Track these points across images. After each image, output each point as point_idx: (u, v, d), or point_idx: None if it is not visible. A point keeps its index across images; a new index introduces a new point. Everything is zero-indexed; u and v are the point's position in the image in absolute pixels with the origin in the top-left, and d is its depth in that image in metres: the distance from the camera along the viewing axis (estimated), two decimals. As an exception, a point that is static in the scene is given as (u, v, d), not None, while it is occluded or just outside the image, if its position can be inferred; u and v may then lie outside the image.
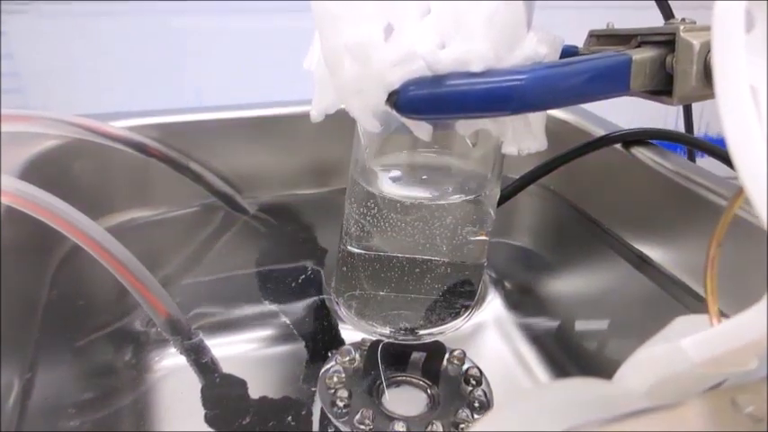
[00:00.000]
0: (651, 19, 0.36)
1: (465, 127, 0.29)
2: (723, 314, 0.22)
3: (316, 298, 0.45)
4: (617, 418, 0.19)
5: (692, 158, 0.52)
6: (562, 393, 0.21)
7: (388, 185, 0.33)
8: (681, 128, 0.48)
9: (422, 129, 0.28)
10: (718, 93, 0.20)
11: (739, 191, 0.21)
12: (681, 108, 0.48)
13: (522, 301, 0.48)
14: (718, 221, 0.24)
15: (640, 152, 0.42)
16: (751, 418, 0.20)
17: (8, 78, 0.76)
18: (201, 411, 0.36)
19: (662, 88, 0.31)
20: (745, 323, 0.19)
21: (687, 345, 0.21)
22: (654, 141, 0.43)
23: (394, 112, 0.27)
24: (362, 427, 0.34)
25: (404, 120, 0.28)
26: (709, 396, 0.20)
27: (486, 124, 0.29)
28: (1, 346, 0.30)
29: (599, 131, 0.45)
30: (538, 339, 0.45)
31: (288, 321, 0.44)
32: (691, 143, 0.45)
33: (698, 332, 0.21)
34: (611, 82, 0.29)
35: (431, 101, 0.26)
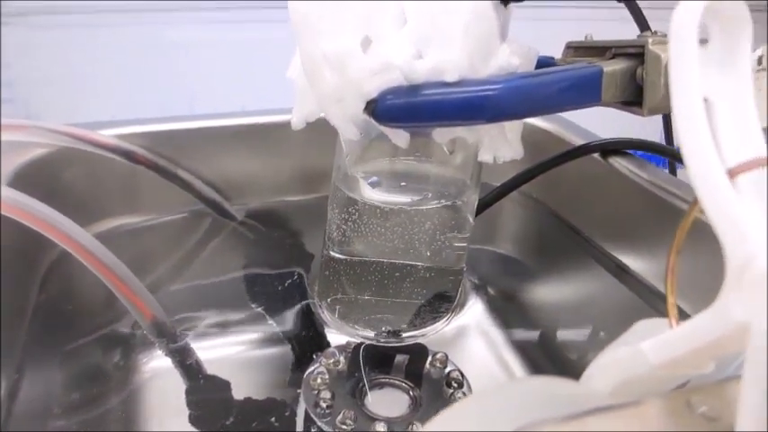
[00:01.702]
0: (634, 31, 0.37)
1: (441, 135, 0.30)
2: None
3: (302, 302, 0.46)
4: (579, 415, 0.20)
5: (672, 170, 0.53)
6: (529, 389, 0.22)
7: (369, 191, 0.34)
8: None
9: (399, 136, 0.29)
10: (673, 104, 0.21)
11: (694, 200, 0.22)
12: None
13: (505, 306, 0.49)
14: (681, 230, 0.25)
15: (618, 162, 0.43)
16: (704, 417, 0.21)
17: (3, 88, 0.77)
18: (187, 412, 0.37)
19: (633, 99, 0.32)
20: (700, 326, 0.20)
21: (646, 347, 0.22)
22: (634, 152, 0.44)
23: (372, 121, 0.28)
24: (344, 427, 0.35)
25: (381, 128, 0.29)
26: (666, 396, 0.21)
27: (462, 132, 0.30)
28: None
29: (578, 141, 0.45)
30: (519, 344, 0.46)
31: (275, 325, 0.45)
32: (669, 154, 0.46)
33: (658, 335, 0.22)
34: (583, 92, 0.30)
35: (407, 109, 0.27)
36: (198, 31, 0.82)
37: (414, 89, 0.27)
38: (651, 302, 0.40)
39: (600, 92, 0.30)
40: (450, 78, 0.27)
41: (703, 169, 0.20)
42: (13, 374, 0.32)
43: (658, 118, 0.49)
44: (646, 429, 0.20)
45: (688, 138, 0.20)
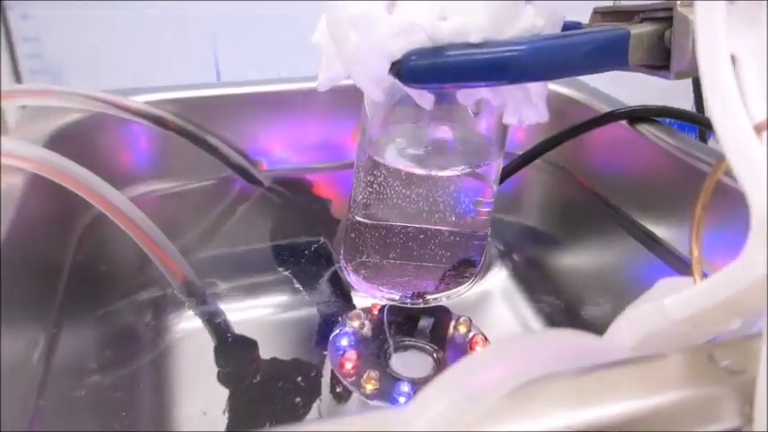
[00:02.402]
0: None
1: (466, 96, 0.31)
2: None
3: (329, 266, 0.47)
4: (599, 367, 0.21)
5: (702, 138, 0.52)
6: (550, 341, 0.22)
7: (393, 155, 0.34)
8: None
9: (424, 98, 0.30)
10: (699, 60, 0.21)
11: (721, 157, 0.22)
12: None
13: (530, 273, 0.49)
14: (708, 185, 0.25)
15: (646, 129, 0.42)
16: (727, 371, 0.21)
17: (34, 60, 0.78)
18: (215, 370, 0.38)
19: (660, 63, 0.31)
20: (722, 281, 0.20)
21: (668, 303, 0.22)
22: (663, 120, 0.44)
23: (397, 82, 0.28)
24: (369, 387, 0.36)
25: (406, 89, 0.29)
26: (688, 350, 0.21)
27: (487, 94, 0.30)
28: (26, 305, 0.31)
29: (605, 108, 0.45)
30: (543, 310, 0.46)
31: (301, 288, 0.46)
32: (699, 121, 0.45)
33: (681, 292, 0.22)
34: (609, 55, 0.30)
35: (431, 70, 0.28)
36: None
37: (438, 50, 0.27)
38: (680, 271, 0.40)
39: (627, 55, 0.30)
40: (474, 39, 0.27)
41: (730, 124, 0.20)
42: (52, 329, 0.33)
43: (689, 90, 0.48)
44: (665, 381, 0.20)
45: (715, 93, 0.20)
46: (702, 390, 0.20)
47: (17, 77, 0.79)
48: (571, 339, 0.22)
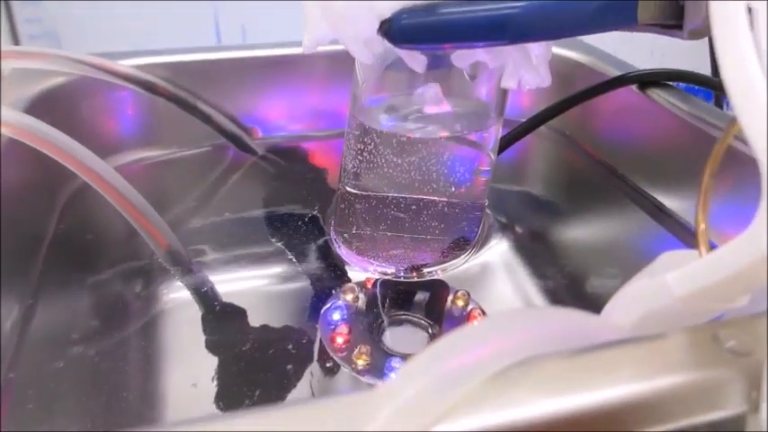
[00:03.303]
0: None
1: (461, 59, 0.29)
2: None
3: (323, 238, 0.46)
4: (592, 348, 0.19)
5: (718, 103, 0.50)
6: (546, 318, 0.21)
7: (385, 122, 0.32)
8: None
9: (416, 60, 0.28)
10: (711, 12, 0.19)
11: (732, 120, 0.20)
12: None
13: (532, 246, 0.48)
14: (717, 152, 0.23)
15: (657, 94, 0.40)
16: (732, 352, 0.19)
17: (33, 24, 0.77)
18: (203, 338, 0.37)
19: (673, 21, 0.29)
20: (727, 256, 0.19)
21: (671, 279, 0.20)
22: (677, 84, 0.42)
23: (387, 43, 0.27)
24: (360, 362, 0.34)
25: (396, 50, 0.27)
26: (691, 330, 0.20)
27: (484, 56, 0.29)
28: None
29: (614, 72, 0.43)
30: (546, 284, 0.45)
31: (295, 260, 0.44)
32: (715, 85, 0.43)
33: (684, 266, 0.21)
34: (617, 12, 0.28)
35: (423, 29, 0.26)
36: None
37: (430, 8, 0.26)
38: (690, 244, 0.38)
39: (635, 12, 0.28)
40: (469, -5, 0.25)
41: (743, 82, 0.18)
42: (28, 299, 0.32)
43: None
44: (665, 363, 0.18)
45: (727, 48, 0.18)
46: (705, 373, 0.19)
47: (15, 42, 0.78)
48: (563, 317, 0.20)
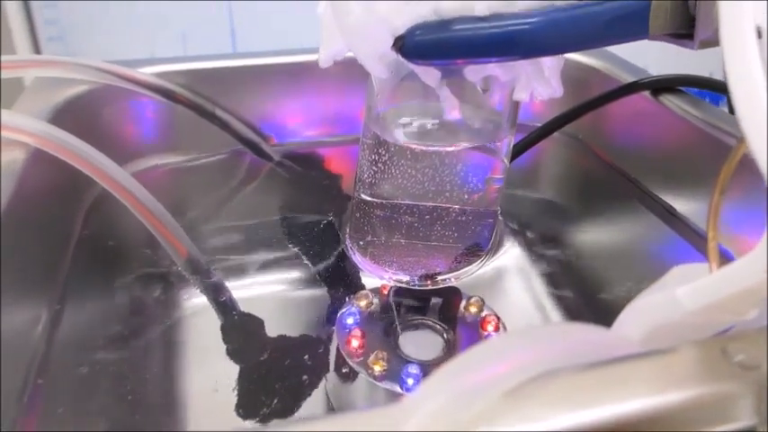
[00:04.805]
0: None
1: (474, 73, 0.29)
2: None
3: (339, 244, 0.46)
4: (602, 363, 0.20)
5: (731, 109, 0.50)
6: (557, 335, 0.21)
7: (399, 132, 0.33)
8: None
9: (429, 74, 0.28)
10: (721, 32, 0.19)
11: (741, 139, 0.21)
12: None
13: (545, 251, 0.48)
14: (727, 168, 0.23)
15: (670, 100, 0.41)
16: (741, 366, 0.20)
17: (50, 26, 0.78)
18: (224, 347, 0.38)
19: (684, 31, 0.30)
20: (738, 271, 0.19)
21: (681, 293, 0.21)
22: (688, 90, 0.42)
23: (401, 58, 0.27)
24: (377, 368, 0.35)
25: (410, 65, 0.28)
26: (700, 344, 0.20)
27: (496, 70, 0.29)
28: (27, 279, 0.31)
29: (627, 78, 0.43)
30: (559, 289, 0.45)
31: (311, 266, 0.45)
32: (726, 90, 0.43)
33: (695, 281, 0.21)
34: (630, 25, 0.28)
35: (437, 45, 0.26)
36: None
37: (443, 24, 0.26)
38: (701, 248, 0.38)
39: (647, 23, 0.28)
40: (480, 12, 0.25)
41: (751, 102, 0.18)
42: (55, 305, 0.33)
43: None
44: (674, 378, 0.19)
45: (736, 67, 0.19)
46: (714, 387, 0.19)
47: (35, 46, 0.78)
48: (574, 333, 0.21)
